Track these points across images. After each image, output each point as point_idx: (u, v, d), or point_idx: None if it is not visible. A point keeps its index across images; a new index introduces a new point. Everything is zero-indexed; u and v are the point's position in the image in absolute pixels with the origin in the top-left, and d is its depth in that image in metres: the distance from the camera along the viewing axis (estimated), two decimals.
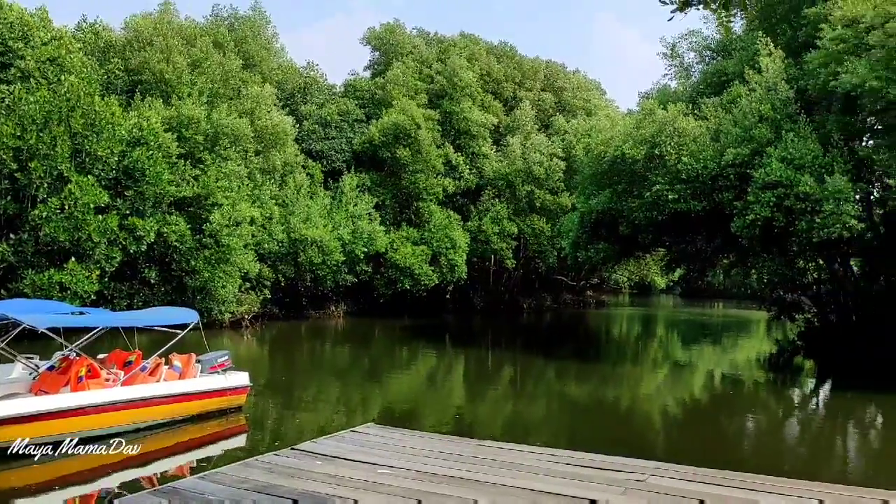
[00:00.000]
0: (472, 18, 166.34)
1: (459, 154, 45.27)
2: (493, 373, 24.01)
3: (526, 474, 7.77)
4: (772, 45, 24.51)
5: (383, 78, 45.91)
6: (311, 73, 45.51)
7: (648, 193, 24.32)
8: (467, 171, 45.03)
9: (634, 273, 62.75)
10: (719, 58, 29.90)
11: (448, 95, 45.72)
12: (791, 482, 7.87)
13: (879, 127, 23.72)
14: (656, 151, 24.35)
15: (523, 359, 27.37)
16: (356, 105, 44.31)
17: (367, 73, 50.12)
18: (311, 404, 16.85)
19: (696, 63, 32.50)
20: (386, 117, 41.12)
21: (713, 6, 6.04)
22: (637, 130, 25.61)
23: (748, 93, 23.97)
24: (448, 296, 45.61)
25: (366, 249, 37.38)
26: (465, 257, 42.14)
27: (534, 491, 7.14)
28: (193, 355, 14.25)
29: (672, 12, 6.03)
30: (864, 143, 24.19)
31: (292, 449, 8.96)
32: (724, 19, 6.27)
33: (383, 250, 38.73)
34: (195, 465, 11.15)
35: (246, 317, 32.29)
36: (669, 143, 24.02)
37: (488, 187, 45.91)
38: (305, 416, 15.17)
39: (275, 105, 36.38)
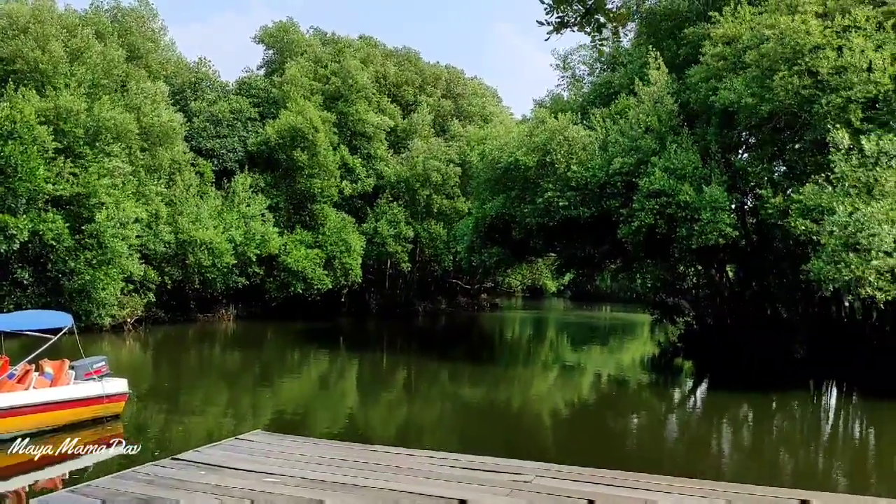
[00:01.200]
0: (372, 21, 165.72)
1: (356, 156, 44.94)
2: (387, 376, 23.92)
3: (412, 478, 7.74)
4: (660, 59, 25.64)
5: (279, 77, 44.95)
6: (203, 68, 43.91)
7: (540, 200, 24.90)
8: (364, 173, 44.76)
9: (527, 277, 64.19)
10: (608, 70, 31.04)
11: (343, 97, 45.29)
12: (690, 482, 8.09)
13: (753, 141, 25.28)
14: (548, 159, 24.98)
15: (418, 362, 27.42)
16: (250, 104, 43.13)
17: (262, 72, 48.97)
18: (196, 411, 16.23)
19: (587, 75, 33.66)
20: (283, 118, 40.22)
21: (587, 29, 6.26)
22: (530, 138, 26.19)
23: (636, 104, 24.97)
24: (343, 299, 45.13)
25: (258, 251, 36.44)
26: (360, 261, 41.77)
27: (419, 494, 7.12)
28: (67, 361, 13.45)
29: (549, 33, 6.22)
30: (739, 156, 25.67)
31: (173, 459, 8.57)
32: (598, 43, 6.51)
33: (276, 253, 37.87)
34: (67, 477, 10.49)
35: (128, 320, 30.79)
36: (560, 152, 24.69)
37: (385, 190, 45.77)
38: (190, 423, 14.59)
39: (164, 101, 34.81)
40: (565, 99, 32.61)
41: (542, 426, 16.83)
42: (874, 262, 16.85)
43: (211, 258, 33.51)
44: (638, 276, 30.45)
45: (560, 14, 6.14)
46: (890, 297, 17.33)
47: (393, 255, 44.83)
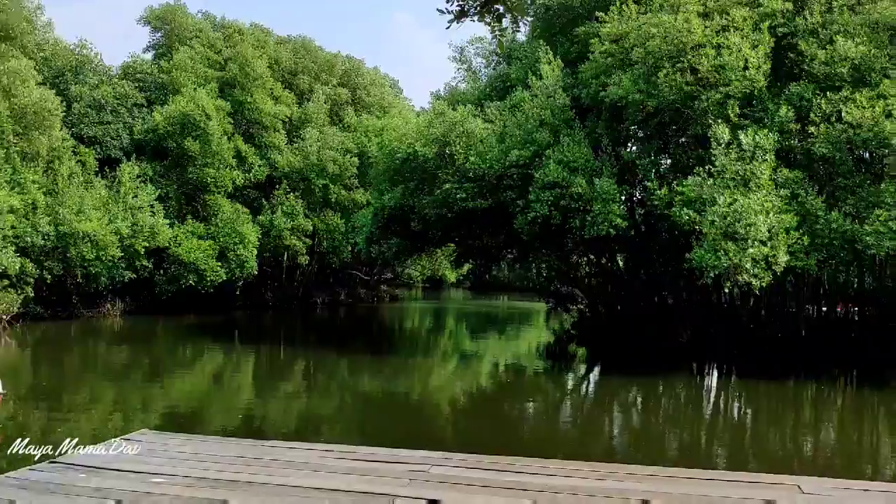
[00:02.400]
0: (267, 7, 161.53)
1: (251, 146, 43.76)
2: (284, 370, 23.48)
3: (309, 472, 7.63)
4: (551, 54, 26.23)
5: (168, 62, 43.07)
6: (84, 51, 41.56)
7: (439, 191, 25.06)
8: (258, 163, 43.64)
9: (427, 267, 64.51)
10: (504, 64, 31.51)
11: (240, 85, 43.92)
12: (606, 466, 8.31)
13: (641, 135, 26.27)
14: (446, 150, 25.15)
15: (316, 354, 27.06)
16: (136, 88, 41.17)
17: (149, 56, 46.78)
18: (80, 411, 15.42)
19: (484, 67, 34.04)
20: (173, 105, 38.57)
21: (487, 19, 6.29)
22: (428, 129, 26.27)
23: (531, 98, 25.47)
24: (238, 292, 43.93)
25: (147, 244, 34.90)
26: (255, 252, 40.78)
27: (314, 489, 7.02)
28: None
29: (449, 22, 6.22)
30: (629, 149, 26.64)
31: (51, 462, 8.08)
32: (499, 33, 6.55)
33: (166, 245, 36.40)
34: None
35: (3, 317, 28.87)
36: (458, 143, 24.90)
37: (282, 181, 44.82)
38: (73, 424, 13.84)
39: (33, 79, 32.51)
40: (462, 91, 32.87)
41: (441, 415, 16.97)
42: (750, 251, 17.91)
43: (94, 251, 31.84)
44: (534, 265, 31.16)
45: (460, 2, 6.14)
46: (764, 284, 18.48)
47: (290, 247, 44.03)
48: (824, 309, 26.58)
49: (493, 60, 33.35)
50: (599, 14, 24.61)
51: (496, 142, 25.05)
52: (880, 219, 18.66)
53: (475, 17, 6.29)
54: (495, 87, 29.88)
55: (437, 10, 6.19)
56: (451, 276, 76.71)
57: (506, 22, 6.39)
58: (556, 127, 24.46)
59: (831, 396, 20.06)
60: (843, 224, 19.37)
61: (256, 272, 41.84)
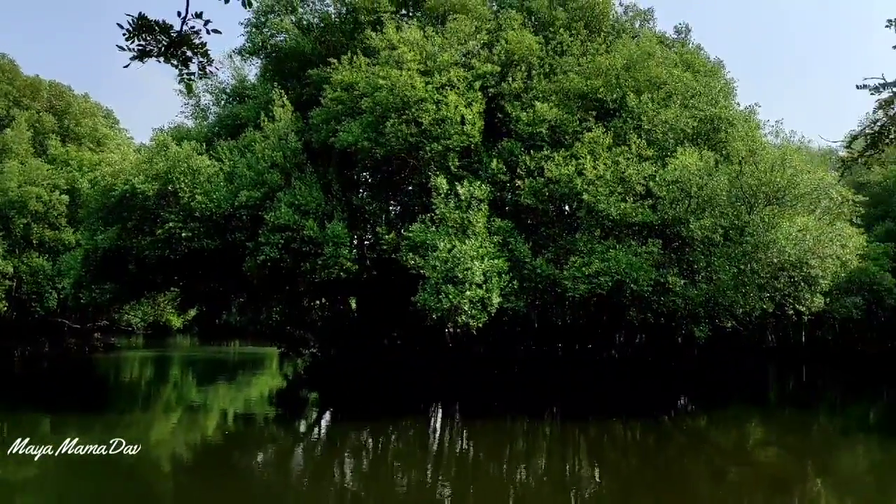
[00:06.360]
0: None
1: None
2: None
3: None
4: (285, 97, 26.22)
5: None
6: None
7: (160, 231, 23.63)
8: None
9: (149, 313, 60.08)
10: (235, 103, 30.84)
11: None
12: None
13: (371, 181, 27.16)
14: (170, 188, 23.85)
15: (10, 416, 23.66)
16: None
17: None
18: None
19: (213, 105, 32.95)
20: None
21: (173, 62, 6.14)
22: (150, 165, 24.75)
23: (262, 139, 25.16)
24: None
25: None
26: None
27: None
28: None
29: (131, 59, 5.98)
30: (359, 195, 27.35)
31: None
32: (186, 77, 6.41)
33: None
34: None
35: None
36: (184, 181, 23.74)
37: None
38: None
39: None
40: (189, 127, 31.47)
41: (160, 476, 15.68)
42: (468, 293, 19.19)
43: None
44: (265, 309, 30.42)
45: (141, 43, 5.90)
46: (480, 324, 19.87)
47: None
48: (533, 347, 29.22)
49: (222, 99, 32.43)
50: (332, 60, 25.17)
51: (225, 181, 24.30)
52: (576, 265, 21.10)
53: (160, 59, 6.09)
54: (225, 125, 29.06)
55: (118, 46, 5.91)
56: (177, 323, 72.14)
57: (193, 66, 6.26)
58: (287, 169, 24.39)
59: (541, 431, 21.87)
60: (547, 269, 21.58)
61: None
